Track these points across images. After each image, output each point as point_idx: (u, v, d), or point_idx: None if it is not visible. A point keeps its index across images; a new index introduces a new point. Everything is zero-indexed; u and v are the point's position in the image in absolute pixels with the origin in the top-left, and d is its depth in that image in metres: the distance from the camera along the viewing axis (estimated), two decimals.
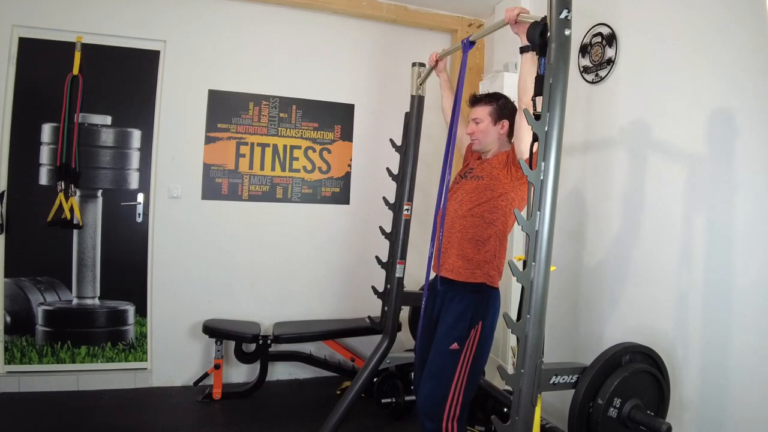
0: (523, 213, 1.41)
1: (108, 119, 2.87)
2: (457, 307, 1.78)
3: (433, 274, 1.93)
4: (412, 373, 2.31)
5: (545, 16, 1.41)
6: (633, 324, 2.06)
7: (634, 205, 2.11)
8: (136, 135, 2.92)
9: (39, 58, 2.75)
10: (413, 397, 2.40)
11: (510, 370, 1.41)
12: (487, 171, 1.83)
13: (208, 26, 2.99)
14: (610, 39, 2.26)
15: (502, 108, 1.88)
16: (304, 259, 3.19)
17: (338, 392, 2.86)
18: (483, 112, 1.90)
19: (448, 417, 1.73)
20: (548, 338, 1.44)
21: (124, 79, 2.89)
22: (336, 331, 2.95)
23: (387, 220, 2.50)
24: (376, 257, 2.52)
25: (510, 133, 1.88)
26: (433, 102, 2.50)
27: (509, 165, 1.77)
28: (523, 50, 1.63)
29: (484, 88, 2.97)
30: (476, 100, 1.95)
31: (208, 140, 3.01)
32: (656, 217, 1.99)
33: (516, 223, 1.63)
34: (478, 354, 1.77)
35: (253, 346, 2.81)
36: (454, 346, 1.73)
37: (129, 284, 2.91)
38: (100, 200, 2.87)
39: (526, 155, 1.62)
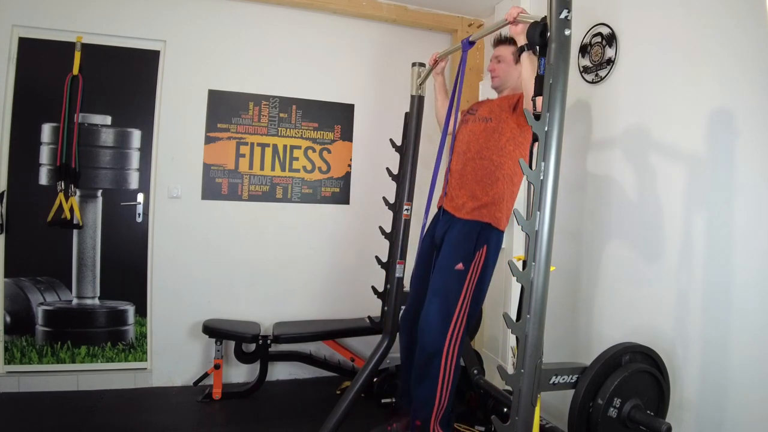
0: (523, 211, 1.41)
1: (108, 119, 2.87)
2: (462, 230, 1.80)
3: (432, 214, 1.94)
4: (402, 310, 2.24)
5: (545, 16, 1.41)
6: (633, 324, 2.06)
7: (634, 205, 2.11)
8: (136, 135, 2.92)
9: (39, 58, 2.75)
10: None
11: (510, 370, 1.41)
12: (496, 113, 1.84)
13: (208, 26, 2.99)
14: (610, 39, 2.26)
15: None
16: (304, 259, 3.19)
17: (338, 392, 2.85)
18: (506, 51, 1.93)
19: (451, 338, 1.73)
20: (548, 338, 1.44)
21: (124, 79, 2.89)
22: (336, 331, 2.95)
23: (387, 220, 2.50)
24: (376, 257, 2.52)
25: None
26: (434, 102, 2.51)
27: (519, 108, 1.78)
28: (519, 51, 1.64)
29: (484, 88, 2.98)
30: (500, 41, 1.99)
31: (208, 140, 3.01)
32: (656, 216, 1.99)
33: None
34: (482, 277, 1.78)
35: (253, 346, 2.81)
36: (459, 266, 1.74)
37: (129, 284, 2.91)
38: (100, 200, 2.87)
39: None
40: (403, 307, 2.30)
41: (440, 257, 1.84)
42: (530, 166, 1.38)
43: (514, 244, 2.87)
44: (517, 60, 1.90)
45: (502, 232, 1.86)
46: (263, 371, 2.82)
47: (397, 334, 2.18)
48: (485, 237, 1.81)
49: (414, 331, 1.93)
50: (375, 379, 2.59)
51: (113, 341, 2.88)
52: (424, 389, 1.79)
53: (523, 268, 1.37)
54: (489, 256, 1.79)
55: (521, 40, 1.63)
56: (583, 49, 2.42)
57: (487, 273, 1.81)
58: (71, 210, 2.75)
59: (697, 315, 1.79)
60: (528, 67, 1.62)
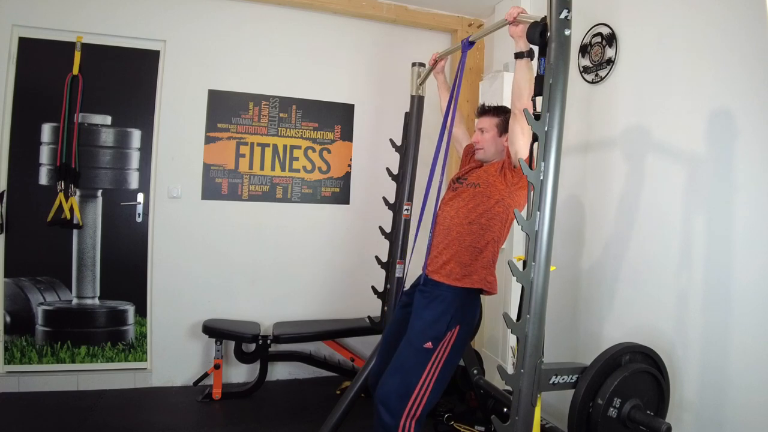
0: (523, 213, 1.41)
1: (108, 119, 2.87)
2: (438, 307, 1.74)
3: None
4: (371, 362, 2.19)
5: (545, 16, 1.41)
6: (633, 324, 2.06)
7: (633, 205, 2.11)
8: (136, 135, 2.92)
9: (39, 58, 2.75)
10: None
11: (510, 370, 1.41)
12: (483, 178, 1.84)
13: (208, 26, 2.99)
14: (610, 39, 2.26)
15: (508, 121, 1.85)
16: (304, 259, 3.19)
17: (338, 392, 2.86)
18: (490, 122, 1.91)
19: (408, 415, 1.68)
20: (548, 338, 1.44)
21: (124, 79, 2.89)
22: (336, 331, 2.95)
23: (387, 220, 2.50)
24: (376, 257, 2.52)
25: None
26: (434, 102, 2.51)
27: (504, 170, 1.78)
28: (517, 56, 1.63)
29: (484, 88, 2.98)
30: (484, 111, 1.97)
31: (208, 140, 3.01)
32: (656, 217, 1.99)
33: (517, 222, 1.64)
34: (450, 358, 1.73)
35: (252, 346, 2.81)
36: (428, 344, 1.70)
37: (129, 284, 2.91)
38: (100, 200, 2.87)
39: (521, 155, 1.63)
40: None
41: (410, 329, 1.78)
42: (530, 166, 1.37)
43: (514, 244, 2.87)
44: (501, 132, 1.88)
45: (480, 298, 1.82)
46: (263, 371, 2.82)
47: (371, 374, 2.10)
48: (462, 314, 1.75)
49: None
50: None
51: (113, 341, 2.88)
52: None
53: (523, 268, 1.37)
54: (460, 337, 1.74)
55: (521, 43, 1.62)
56: (583, 49, 2.42)
57: (457, 355, 1.75)
58: (71, 210, 2.75)
59: (697, 315, 1.79)
60: (525, 72, 1.61)
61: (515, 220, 1.40)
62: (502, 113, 1.92)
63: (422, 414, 1.71)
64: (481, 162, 1.97)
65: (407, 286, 2.06)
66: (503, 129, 1.88)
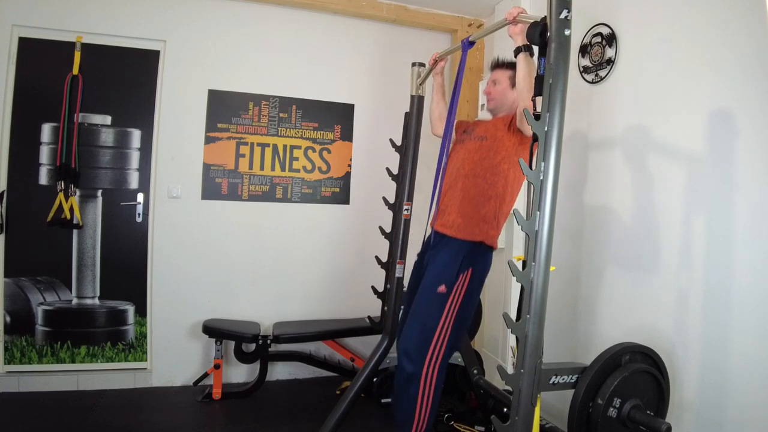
0: (523, 213, 1.41)
1: (108, 119, 2.87)
2: (448, 252, 1.77)
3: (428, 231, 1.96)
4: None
5: (545, 16, 1.41)
6: (633, 324, 2.06)
7: (633, 205, 2.11)
8: (136, 135, 2.92)
9: (39, 58, 2.75)
10: None
11: (510, 370, 1.41)
12: (491, 132, 1.84)
13: (208, 26, 2.99)
14: (610, 39, 2.26)
15: None
16: (304, 259, 3.19)
17: (338, 392, 2.85)
18: (503, 75, 1.93)
19: (430, 361, 1.70)
20: (548, 338, 1.44)
21: (124, 79, 2.89)
22: (336, 331, 2.95)
23: (387, 220, 2.50)
24: (376, 257, 2.52)
25: None
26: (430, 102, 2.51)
27: (513, 126, 1.78)
28: (515, 52, 1.64)
29: (483, 87, 2.98)
30: (498, 65, 1.99)
31: (208, 140, 3.01)
32: (656, 216, 1.99)
33: (516, 222, 1.64)
34: (466, 301, 1.75)
35: (252, 346, 2.81)
36: (442, 288, 1.71)
37: (129, 284, 2.91)
38: (99, 200, 2.87)
39: (527, 103, 1.59)
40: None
41: (424, 278, 1.81)
42: (530, 166, 1.37)
43: (514, 244, 2.87)
44: (513, 85, 1.89)
45: (492, 250, 1.84)
46: (263, 371, 2.82)
47: (397, 333, 2.17)
48: (471, 259, 1.77)
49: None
50: (375, 379, 2.58)
51: (113, 341, 2.88)
52: (404, 409, 1.77)
53: (523, 268, 1.36)
54: (474, 280, 1.75)
55: (519, 41, 1.63)
56: (583, 49, 2.42)
57: (472, 297, 1.77)
58: (71, 210, 2.75)
59: (697, 315, 1.79)
60: (524, 67, 1.63)
61: (515, 221, 1.41)
62: (515, 67, 1.86)
63: (444, 359, 1.73)
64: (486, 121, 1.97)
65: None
66: (515, 83, 1.86)
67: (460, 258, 1.75)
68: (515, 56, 1.67)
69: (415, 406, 1.72)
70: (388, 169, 2.52)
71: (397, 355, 1.79)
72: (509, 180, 1.81)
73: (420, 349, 1.70)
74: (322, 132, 3.24)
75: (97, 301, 2.87)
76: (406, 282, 2.42)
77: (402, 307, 2.16)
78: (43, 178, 2.76)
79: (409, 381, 1.72)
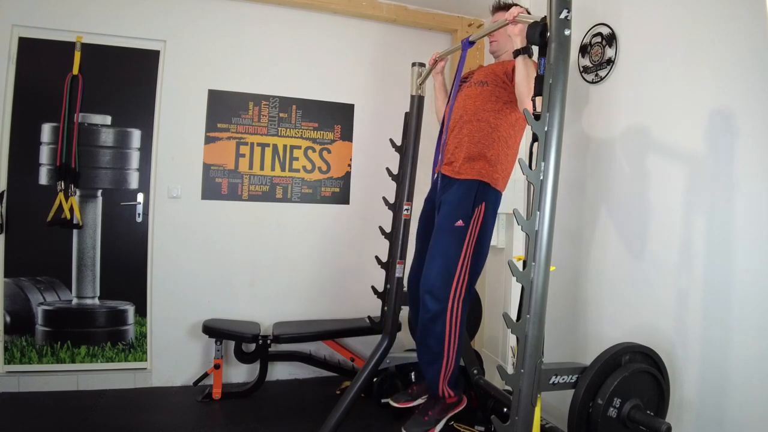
0: (523, 213, 1.41)
1: (108, 119, 2.87)
2: (459, 189, 1.81)
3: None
4: (407, 278, 2.24)
5: (545, 16, 1.41)
6: (633, 324, 2.06)
7: (633, 205, 2.11)
8: (136, 135, 2.92)
9: (39, 58, 2.75)
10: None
11: (510, 370, 1.41)
12: (492, 77, 1.86)
13: (208, 26, 2.99)
14: (610, 39, 2.26)
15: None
16: (305, 259, 3.19)
17: (338, 392, 2.86)
18: (504, 17, 1.93)
19: (454, 296, 1.73)
20: (548, 338, 1.44)
21: (124, 79, 2.89)
22: (336, 331, 2.95)
23: (387, 220, 2.50)
24: (376, 257, 2.52)
25: None
26: (434, 101, 2.50)
27: (511, 76, 1.80)
28: (515, 54, 1.65)
29: None
30: (499, 8, 2.00)
31: (208, 140, 3.01)
32: (656, 216, 1.99)
33: (516, 222, 1.65)
34: (482, 234, 1.79)
35: (252, 346, 2.81)
36: (459, 223, 1.75)
37: (129, 284, 2.91)
38: (99, 200, 2.87)
39: (526, 104, 1.63)
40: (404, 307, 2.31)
41: (439, 216, 1.84)
42: (530, 166, 1.37)
43: (514, 244, 2.87)
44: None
45: (500, 192, 1.87)
46: (263, 371, 2.82)
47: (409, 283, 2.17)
48: (483, 195, 1.82)
49: (419, 289, 1.92)
50: (375, 379, 2.58)
51: (113, 341, 2.88)
52: (430, 350, 1.78)
53: (523, 268, 1.37)
54: (488, 213, 1.80)
55: (518, 42, 1.63)
56: (583, 49, 2.42)
57: (487, 230, 1.81)
58: (71, 210, 2.75)
59: (697, 315, 1.79)
60: (522, 69, 1.63)
61: (515, 221, 1.41)
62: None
63: (466, 293, 1.76)
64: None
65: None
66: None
67: (473, 193, 1.81)
68: (514, 58, 1.67)
69: (443, 344, 1.74)
70: (388, 169, 2.52)
71: (420, 295, 1.80)
72: (511, 122, 1.85)
73: (445, 285, 1.73)
74: (322, 132, 3.24)
75: (97, 301, 2.87)
76: (406, 282, 2.43)
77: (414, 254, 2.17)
78: (43, 178, 2.76)
79: (435, 319, 1.74)
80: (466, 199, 1.79)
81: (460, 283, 1.73)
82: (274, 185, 3.15)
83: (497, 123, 1.83)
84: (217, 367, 2.75)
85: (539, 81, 1.41)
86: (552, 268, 1.35)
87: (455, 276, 1.73)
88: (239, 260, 3.07)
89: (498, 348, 3.03)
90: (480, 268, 1.82)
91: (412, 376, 2.60)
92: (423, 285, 1.78)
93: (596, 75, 2.34)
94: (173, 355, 2.93)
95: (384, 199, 2.53)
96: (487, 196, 1.84)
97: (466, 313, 1.79)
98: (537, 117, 1.37)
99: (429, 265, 1.79)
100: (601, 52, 2.31)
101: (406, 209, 2.41)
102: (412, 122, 2.46)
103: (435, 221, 1.89)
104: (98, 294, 2.87)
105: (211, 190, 3.03)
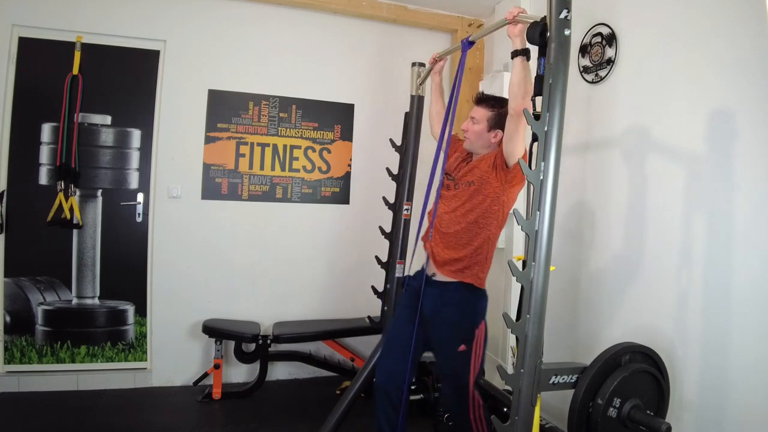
0: (523, 213, 1.41)
1: (108, 119, 2.87)
2: (454, 311, 1.82)
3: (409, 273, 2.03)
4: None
5: (545, 16, 1.41)
6: (633, 324, 2.06)
7: (633, 205, 2.11)
8: (136, 135, 2.92)
9: (39, 58, 2.75)
10: (415, 396, 2.42)
11: (510, 370, 1.41)
12: (477, 175, 1.85)
13: (208, 26, 2.99)
14: (610, 39, 2.26)
15: (502, 117, 1.83)
16: (304, 259, 3.19)
17: (338, 392, 2.85)
18: (482, 114, 1.89)
19: (473, 409, 1.84)
20: (548, 338, 1.44)
21: (124, 79, 2.89)
22: (336, 331, 2.95)
23: (387, 220, 2.50)
24: (376, 257, 2.52)
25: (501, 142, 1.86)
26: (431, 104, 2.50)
27: (497, 167, 1.80)
28: (513, 55, 1.63)
29: (483, 87, 2.98)
30: (480, 100, 1.94)
31: (208, 140, 3.01)
32: (656, 216, 1.99)
33: (516, 222, 1.65)
34: (485, 347, 1.87)
35: (252, 346, 2.81)
36: (462, 348, 1.79)
37: (129, 284, 2.91)
38: (99, 200, 2.87)
39: (517, 155, 1.68)
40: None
41: (439, 335, 1.86)
42: (530, 166, 1.37)
43: (514, 244, 2.87)
44: (491, 127, 1.87)
45: (485, 289, 1.90)
46: (263, 371, 2.82)
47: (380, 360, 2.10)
48: (477, 309, 1.85)
49: (391, 393, 1.91)
50: (375, 379, 2.58)
51: (113, 341, 2.88)
52: None
53: (523, 268, 1.36)
54: (486, 330, 1.86)
55: (518, 42, 1.62)
56: (583, 49, 2.42)
57: (486, 342, 1.88)
58: (71, 210, 2.75)
59: (697, 315, 1.79)
60: (519, 72, 1.61)
61: (515, 221, 1.41)
62: (498, 107, 1.88)
63: (481, 401, 1.86)
64: (468, 153, 1.97)
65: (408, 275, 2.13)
66: (494, 124, 1.86)
67: (470, 314, 1.82)
68: (512, 58, 1.66)
69: None
70: (388, 169, 2.52)
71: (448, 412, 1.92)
72: (499, 220, 1.85)
73: (462, 404, 1.83)
74: (322, 132, 3.24)
75: (97, 301, 2.87)
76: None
77: (383, 342, 2.19)
78: (43, 178, 2.76)
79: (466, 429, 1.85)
80: (464, 322, 1.81)
81: (475, 397, 1.84)
82: (274, 185, 3.15)
83: (486, 223, 1.82)
84: (217, 367, 2.75)
85: (539, 81, 1.41)
86: (552, 268, 1.34)
87: (470, 393, 1.82)
88: (239, 260, 3.07)
89: (498, 348, 3.03)
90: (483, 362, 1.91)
91: None
92: (445, 406, 1.94)
93: (596, 75, 2.34)
94: (173, 355, 2.93)
95: (384, 199, 2.53)
96: (482, 309, 1.86)
97: (488, 413, 1.86)
98: (537, 117, 1.37)
99: (443, 388, 1.92)
100: (601, 52, 2.31)
101: (406, 209, 2.42)
102: (412, 122, 2.46)
103: (428, 333, 1.88)
104: (98, 294, 2.87)
105: (211, 190, 3.03)
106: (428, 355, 2.25)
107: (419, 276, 1.96)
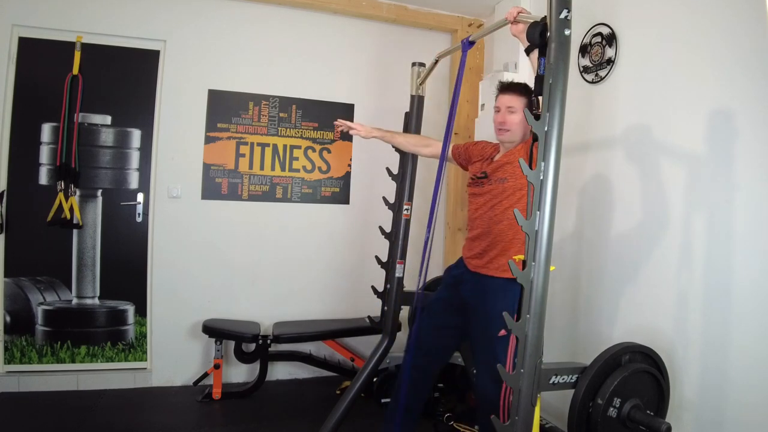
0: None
1: (108, 119, 2.87)
2: (495, 300, 1.80)
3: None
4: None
5: (545, 16, 1.41)
6: (633, 324, 2.06)
7: (633, 205, 2.11)
8: (136, 135, 2.92)
9: (39, 58, 2.74)
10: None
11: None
12: (510, 171, 1.83)
13: (208, 26, 2.98)
14: (610, 39, 2.26)
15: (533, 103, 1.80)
16: (304, 259, 3.19)
17: (338, 392, 2.85)
18: (519, 102, 1.82)
19: (506, 393, 1.82)
20: (548, 338, 1.44)
21: (124, 79, 2.89)
22: (336, 331, 2.95)
23: (387, 220, 2.50)
24: (376, 257, 2.52)
25: None
26: (433, 102, 2.51)
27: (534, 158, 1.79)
28: (528, 51, 1.62)
29: (484, 87, 2.98)
30: (511, 88, 1.88)
31: (208, 140, 3.01)
32: (656, 216, 1.99)
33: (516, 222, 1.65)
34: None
35: (252, 346, 2.81)
36: (502, 332, 1.76)
37: (129, 284, 2.91)
38: (99, 200, 2.87)
39: None
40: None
41: (481, 326, 1.86)
42: (530, 166, 1.37)
43: None
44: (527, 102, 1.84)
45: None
46: (263, 371, 2.82)
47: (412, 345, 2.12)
48: (515, 299, 1.85)
49: (421, 383, 1.96)
50: (375, 379, 2.58)
51: (113, 341, 2.88)
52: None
53: (523, 268, 1.36)
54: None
55: (523, 40, 1.62)
56: (583, 49, 2.42)
57: None
58: (71, 210, 2.75)
59: (697, 315, 1.79)
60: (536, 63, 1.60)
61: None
62: (529, 92, 1.81)
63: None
64: (491, 151, 1.97)
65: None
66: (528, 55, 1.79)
67: (509, 304, 1.81)
68: (527, 54, 1.64)
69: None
70: (388, 169, 2.52)
71: (478, 402, 1.88)
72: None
73: (497, 388, 1.80)
74: (322, 132, 3.24)
75: (97, 301, 2.87)
76: (405, 281, 2.43)
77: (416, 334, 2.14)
78: (43, 178, 2.76)
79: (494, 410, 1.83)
80: (505, 307, 1.82)
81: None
82: (274, 185, 3.15)
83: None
84: (217, 367, 2.75)
85: (539, 81, 1.40)
86: (552, 268, 1.34)
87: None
88: (239, 260, 3.07)
89: None
90: None
91: None
92: (479, 391, 1.87)
93: (596, 75, 2.34)
94: (173, 355, 2.93)
95: (384, 199, 2.53)
96: (516, 297, 1.87)
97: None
98: (537, 117, 1.37)
99: (480, 373, 1.87)
100: (601, 52, 2.32)
101: (406, 209, 2.42)
102: (412, 122, 2.46)
103: (471, 323, 1.90)
104: (98, 294, 2.87)
105: (211, 190, 3.03)
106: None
107: (460, 265, 1.98)
